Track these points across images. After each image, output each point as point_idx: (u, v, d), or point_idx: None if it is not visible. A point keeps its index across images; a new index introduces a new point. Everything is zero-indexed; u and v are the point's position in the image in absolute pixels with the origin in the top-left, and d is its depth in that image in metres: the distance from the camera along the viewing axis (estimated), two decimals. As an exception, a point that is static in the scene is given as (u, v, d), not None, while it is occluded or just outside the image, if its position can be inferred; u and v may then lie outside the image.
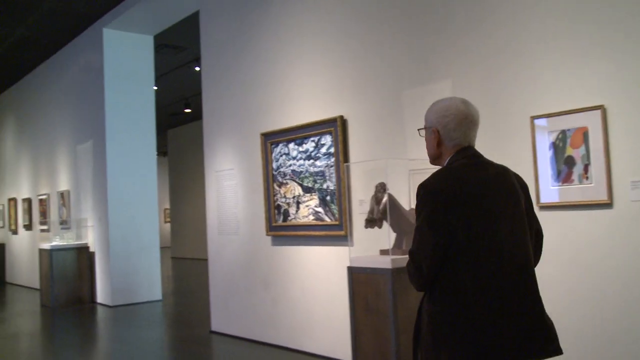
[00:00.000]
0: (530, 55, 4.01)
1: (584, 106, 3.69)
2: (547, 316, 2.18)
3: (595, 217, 3.68)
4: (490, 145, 4.20)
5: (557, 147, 3.84)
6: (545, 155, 3.89)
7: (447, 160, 2.27)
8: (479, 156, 2.27)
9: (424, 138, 2.38)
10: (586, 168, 3.70)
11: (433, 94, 4.58)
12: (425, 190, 2.15)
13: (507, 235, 2.14)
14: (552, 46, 3.89)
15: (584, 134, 3.70)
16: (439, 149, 2.30)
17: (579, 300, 3.75)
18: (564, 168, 3.81)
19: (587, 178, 3.70)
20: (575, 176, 3.75)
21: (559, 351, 2.16)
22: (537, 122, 3.92)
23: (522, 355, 2.06)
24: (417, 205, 2.18)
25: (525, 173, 3.98)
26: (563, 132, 3.80)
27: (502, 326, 2.04)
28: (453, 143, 2.26)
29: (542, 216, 3.87)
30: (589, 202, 3.68)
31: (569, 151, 3.78)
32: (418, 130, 2.41)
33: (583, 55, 3.74)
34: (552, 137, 3.86)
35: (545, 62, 3.92)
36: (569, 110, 3.76)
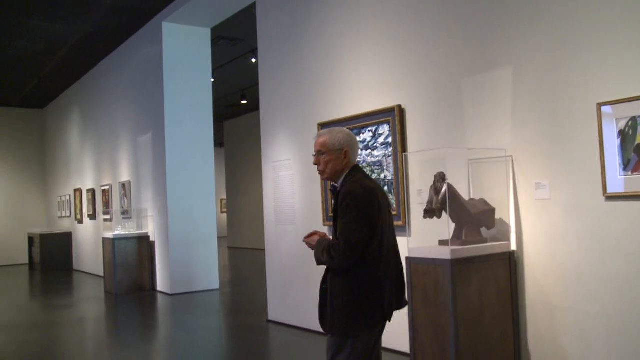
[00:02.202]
0: (596, 39, 3.84)
1: (656, 92, 3.52)
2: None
3: (668, 208, 3.51)
4: (555, 134, 4.07)
5: (626, 135, 3.68)
6: (612, 144, 3.74)
7: (344, 175, 3.00)
8: (364, 171, 3.08)
9: (323, 158, 3.01)
10: (658, 157, 3.53)
11: (493, 81, 4.48)
12: (351, 196, 2.85)
13: (388, 226, 3.00)
14: (620, 29, 3.72)
15: (656, 121, 3.53)
16: (344, 166, 3.01)
17: (649, 295, 3.60)
18: (634, 157, 3.65)
19: (659, 167, 3.53)
20: (646, 165, 3.59)
21: (407, 303, 3.21)
22: (604, 109, 3.77)
23: (397, 306, 3.00)
24: (347, 207, 2.84)
25: (591, 162, 3.85)
26: (633, 119, 3.64)
27: (391, 289, 2.93)
28: (354, 160, 3.04)
29: (608, 207, 3.76)
30: (661, 193, 3.52)
31: (640, 139, 3.62)
32: (315, 154, 3.04)
33: (655, 38, 3.57)
34: (621, 125, 3.70)
35: (612, 46, 3.76)
36: (640, 96, 3.59)
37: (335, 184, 3.06)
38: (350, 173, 3.00)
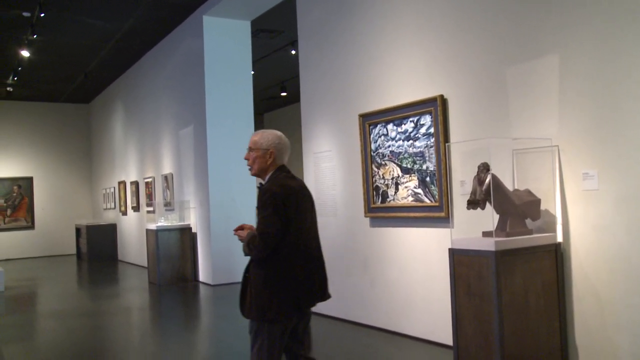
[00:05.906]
0: (649, 24, 3.71)
1: None
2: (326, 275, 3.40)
3: None
4: (603, 122, 3.96)
5: (680, 123, 3.55)
6: (666, 132, 3.62)
7: (270, 174, 3.28)
8: (290, 172, 3.32)
9: (252, 155, 3.31)
10: None
11: (539, 69, 4.38)
12: (270, 193, 3.14)
13: (310, 225, 3.31)
14: (676, 14, 3.59)
15: None
16: (269, 165, 3.29)
17: None
18: (688, 145, 3.52)
19: None
20: (701, 154, 3.46)
21: (329, 296, 3.40)
22: (657, 96, 3.65)
23: (316, 299, 3.28)
24: (264, 203, 3.12)
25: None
26: (687, 106, 3.50)
27: (309, 282, 3.22)
28: (280, 161, 3.31)
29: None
30: None
31: (694, 127, 3.49)
32: (250, 151, 3.32)
33: None
34: (674, 113, 3.57)
35: (667, 31, 3.63)
36: (695, 83, 3.46)
37: (262, 182, 3.31)
38: (274, 173, 3.28)
